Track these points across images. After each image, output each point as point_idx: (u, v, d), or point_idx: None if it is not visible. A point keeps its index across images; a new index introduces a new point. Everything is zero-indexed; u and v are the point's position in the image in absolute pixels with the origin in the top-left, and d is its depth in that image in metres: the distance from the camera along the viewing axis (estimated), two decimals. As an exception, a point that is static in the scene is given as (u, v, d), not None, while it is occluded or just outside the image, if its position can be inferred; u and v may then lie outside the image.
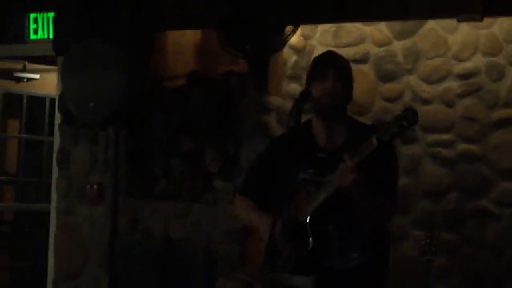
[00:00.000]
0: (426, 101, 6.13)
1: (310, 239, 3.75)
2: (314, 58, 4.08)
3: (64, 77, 6.02)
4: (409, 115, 3.50)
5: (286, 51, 6.29)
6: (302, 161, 3.92)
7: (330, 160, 3.80)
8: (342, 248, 3.83)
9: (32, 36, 7.38)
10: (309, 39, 6.46)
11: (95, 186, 6.88)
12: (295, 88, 6.30)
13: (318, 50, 6.42)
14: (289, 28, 5.90)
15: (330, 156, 3.86)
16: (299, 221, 3.80)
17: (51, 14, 7.05)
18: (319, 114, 3.92)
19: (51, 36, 6.52)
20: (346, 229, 3.82)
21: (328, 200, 3.72)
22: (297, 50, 6.42)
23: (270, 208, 3.99)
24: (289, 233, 3.82)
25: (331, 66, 3.90)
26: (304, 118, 3.94)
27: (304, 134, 3.99)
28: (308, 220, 3.76)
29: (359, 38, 6.36)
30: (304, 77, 6.29)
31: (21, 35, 7.38)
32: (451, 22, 5.87)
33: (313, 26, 6.40)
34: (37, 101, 10.08)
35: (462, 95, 6.06)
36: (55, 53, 6.33)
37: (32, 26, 7.37)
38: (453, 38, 6.09)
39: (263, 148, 4.35)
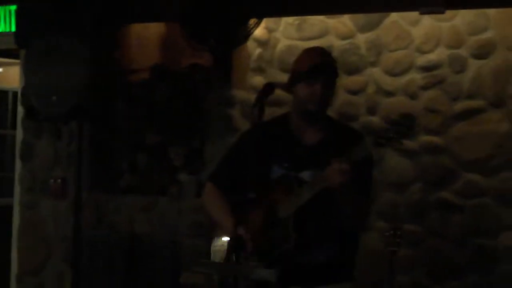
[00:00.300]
0: (389, 93, 6.15)
1: (293, 236, 3.75)
2: (303, 53, 3.99)
3: (26, 71, 5.97)
4: (407, 121, 3.52)
5: (250, 44, 6.29)
6: (278, 155, 3.91)
7: (306, 156, 3.85)
8: (315, 243, 3.85)
9: (-6, 30, 7.32)
10: (273, 32, 6.46)
11: (59, 180, 6.85)
12: (259, 81, 6.30)
13: (282, 43, 6.43)
14: (252, 21, 5.90)
15: (307, 152, 3.89)
16: (279, 217, 3.81)
17: (13, 7, 6.99)
18: (302, 114, 3.91)
19: (13, 29, 6.46)
20: (323, 226, 3.84)
21: (312, 198, 3.72)
22: (261, 43, 6.42)
23: (238, 199, 4.00)
24: (268, 228, 3.82)
25: (324, 70, 3.86)
26: (268, 111, 3.93)
27: (281, 127, 3.99)
28: (291, 217, 3.76)
29: (322, 31, 6.36)
30: (268, 70, 6.38)
31: (-18, 28, 7.32)
32: (413, 15, 5.89)
33: (276, 19, 6.39)
34: (0, 95, 9.99)
35: (425, 87, 6.08)
36: (17, 47, 6.28)
37: (-6, 19, 7.31)
38: (416, 31, 6.12)
39: (233, 138, 4.32)
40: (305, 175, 3.82)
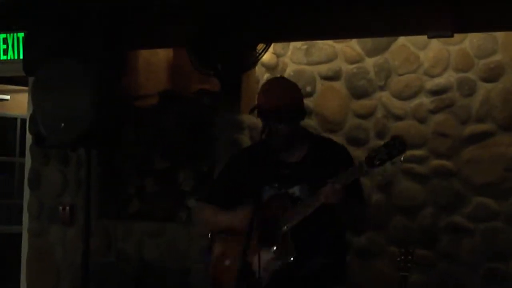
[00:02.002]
0: (398, 117, 6.14)
1: (293, 251, 3.88)
2: (265, 91, 4.08)
3: (34, 98, 5.97)
4: (397, 144, 3.68)
5: (258, 69, 6.29)
6: (267, 177, 4.01)
7: (293, 173, 4.00)
8: (311, 254, 3.95)
9: (2, 57, 7.34)
10: (281, 57, 6.47)
11: (67, 207, 6.83)
12: (268, 106, 6.29)
13: (291, 68, 6.43)
14: (260, 46, 5.90)
15: (292, 171, 4.02)
16: (276, 234, 3.93)
17: (21, 35, 7.02)
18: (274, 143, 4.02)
19: (21, 57, 6.47)
20: (319, 236, 3.96)
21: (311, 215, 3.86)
22: (270, 68, 6.42)
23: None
24: (266, 244, 3.92)
25: (285, 113, 3.96)
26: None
27: (266, 149, 4.06)
28: (289, 234, 3.90)
29: (331, 55, 6.36)
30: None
31: (-10, 55, 7.35)
32: (422, 38, 5.89)
33: (285, 44, 6.41)
34: (8, 122, 10.02)
35: (434, 111, 6.07)
36: (25, 74, 6.29)
37: (2, 46, 7.33)
38: (425, 54, 6.11)
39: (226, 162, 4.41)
40: (296, 190, 3.98)
